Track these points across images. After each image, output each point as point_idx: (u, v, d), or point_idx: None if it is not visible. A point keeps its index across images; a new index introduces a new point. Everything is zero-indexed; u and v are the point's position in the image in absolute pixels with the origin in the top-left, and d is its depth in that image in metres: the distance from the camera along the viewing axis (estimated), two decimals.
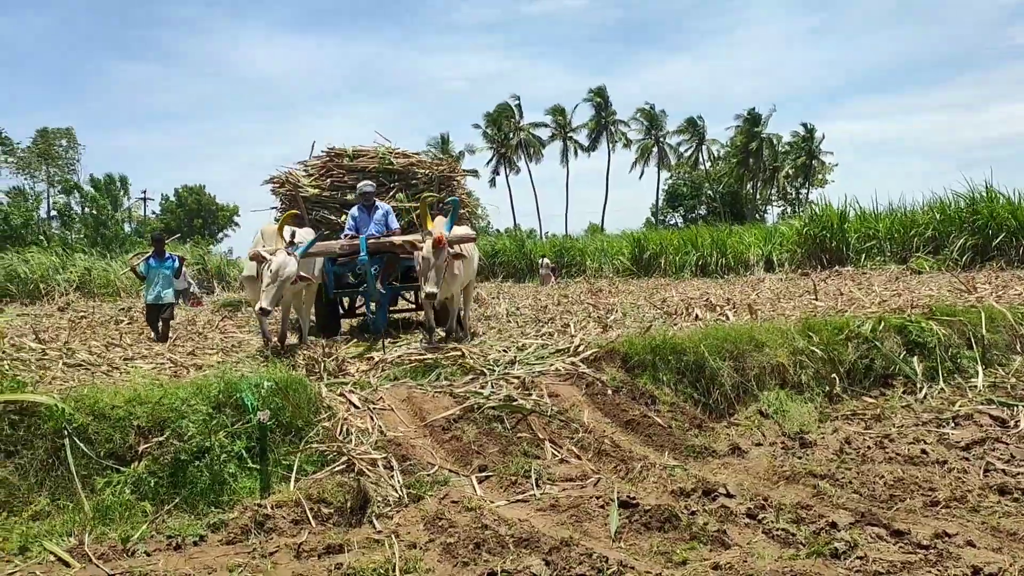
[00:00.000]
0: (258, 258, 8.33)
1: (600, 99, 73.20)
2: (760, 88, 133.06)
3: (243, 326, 12.54)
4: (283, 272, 8.00)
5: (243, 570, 4.23)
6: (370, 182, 10.33)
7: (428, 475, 5.61)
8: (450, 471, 5.73)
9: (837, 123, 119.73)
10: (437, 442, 6.18)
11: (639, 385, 7.11)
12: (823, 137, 71.74)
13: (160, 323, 10.80)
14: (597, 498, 5.08)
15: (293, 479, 5.41)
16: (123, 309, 18.05)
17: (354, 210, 10.17)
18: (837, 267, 22.66)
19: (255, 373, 6.23)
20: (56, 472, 5.10)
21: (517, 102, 74.03)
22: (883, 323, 8.45)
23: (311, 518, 4.94)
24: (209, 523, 4.90)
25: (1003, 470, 5.33)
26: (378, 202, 10.25)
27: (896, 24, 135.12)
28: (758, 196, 74.52)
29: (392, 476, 5.56)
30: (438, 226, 8.69)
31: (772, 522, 4.47)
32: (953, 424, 6.69)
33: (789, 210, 72.93)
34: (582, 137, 74.50)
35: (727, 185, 73.34)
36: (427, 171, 11.77)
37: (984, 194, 21.38)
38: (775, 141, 72.09)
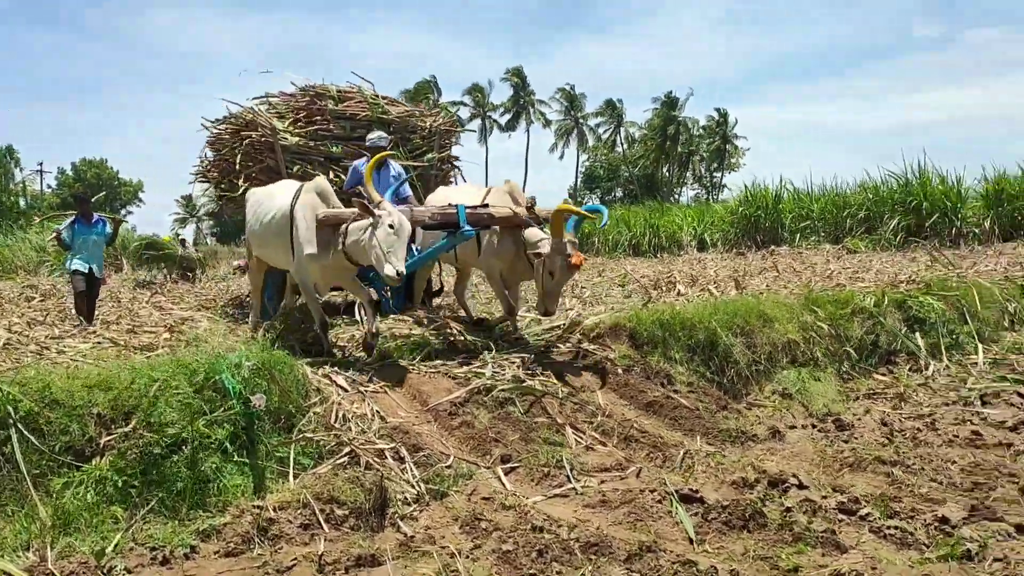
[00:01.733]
0: (356, 211, 5.98)
1: (518, 79, 72.48)
2: (679, 72, 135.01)
3: (179, 302, 11.40)
4: (407, 228, 5.99)
5: None
6: (384, 134, 8.44)
7: (446, 467, 4.87)
8: (469, 462, 5.00)
9: (750, 108, 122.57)
10: (445, 429, 5.43)
11: (651, 364, 6.50)
12: (736, 122, 72.99)
13: (86, 301, 9.56)
14: (651, 492, 4.45)
15: (291, 474, 4.59)
16: (29, 287, 16.48)
17: (360, 166, 8.23)
18: (772, 247, 22.69)
19: (231, 351, 5.33)
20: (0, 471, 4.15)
21: (434, 81, 72.66)
22: (885, 298, 8.08)
23: (323, 521, 4.14)
24: (199, 530, 4.05)
25: None
26: (391, 161, 8.38)
27: (809, 11, 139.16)
28: (673, 179, 75.28)
29: (404, 469, 4.80)
30: (569, 235, 6.37)
31: (877, 519, 3.93)
32: (981, 403, 6.33)
33: (703, 194, 74.14)
34: (502, 118, 73.71)
35: (643, 168, 73.79)
36: (426, 124, 9.87)
37: (917, 176, 21.64)
38: (691, 125, 72.88)
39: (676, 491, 4.39)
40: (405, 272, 5.85)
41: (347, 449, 4.85)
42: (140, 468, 4.36)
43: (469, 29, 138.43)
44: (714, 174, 75.50)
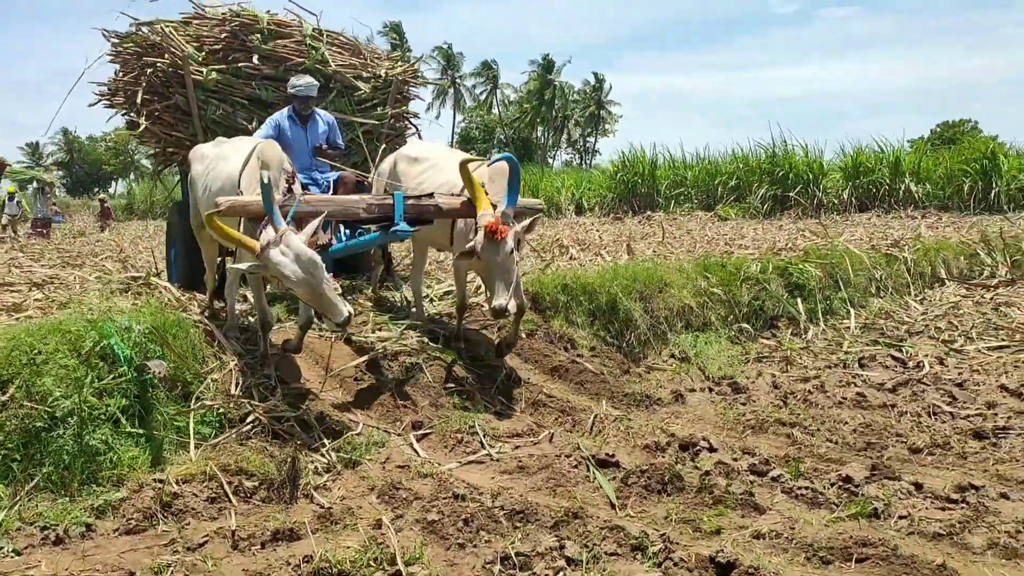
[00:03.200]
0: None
1: (396, 35, 70.89)
2: (555, 36, 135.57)
3: (39, 259, 10.55)
4: (316, 268, 4.47)
5: (175, 570, 3.22)
6: (312, 80, 6.98)
7: (357, 435, 4.72)
8: (381, 430, 4.87)
9: (621, 75, 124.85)
10: (352, 395, 5.27)
11: (554, 328, 6.53)
12: (611, 88, 74.21)
13: None
14: (566, 457, 4.47)
15: (192, 445, 4.34)
16: None
17: (281, 119, 6.85)
18: (648, 212, 23.24)
19: (121, 313, 4.96)
20: None
21: None
22: (770, 265, 8.40)
23: (231, 494, 3.94)
24: (93, 506, 3.79)
25: (951, 412, 5.29)
26: (318, 111, 7.16)
27: None
28: (548, 143, 75.94)
29: (313, 438, 4.63)
30: (495, 202, 5.16)
31: (788, 480, 4.07)
32: (859, 366, 6.69)
33: (576, 158, 75.25)
34: None
35: (519, 131, 74.01)
36: (380, 70, 8.35)
37: (783, 147, 22.63)
38: (567, 90, 73.51)
39: (592, 456, 4.42)
40: (352, 313, 4.58)
41: (251, 417, 4.63)
42: (22, 441, 4.03)
43: None
44: (588, 139, 76.69)
